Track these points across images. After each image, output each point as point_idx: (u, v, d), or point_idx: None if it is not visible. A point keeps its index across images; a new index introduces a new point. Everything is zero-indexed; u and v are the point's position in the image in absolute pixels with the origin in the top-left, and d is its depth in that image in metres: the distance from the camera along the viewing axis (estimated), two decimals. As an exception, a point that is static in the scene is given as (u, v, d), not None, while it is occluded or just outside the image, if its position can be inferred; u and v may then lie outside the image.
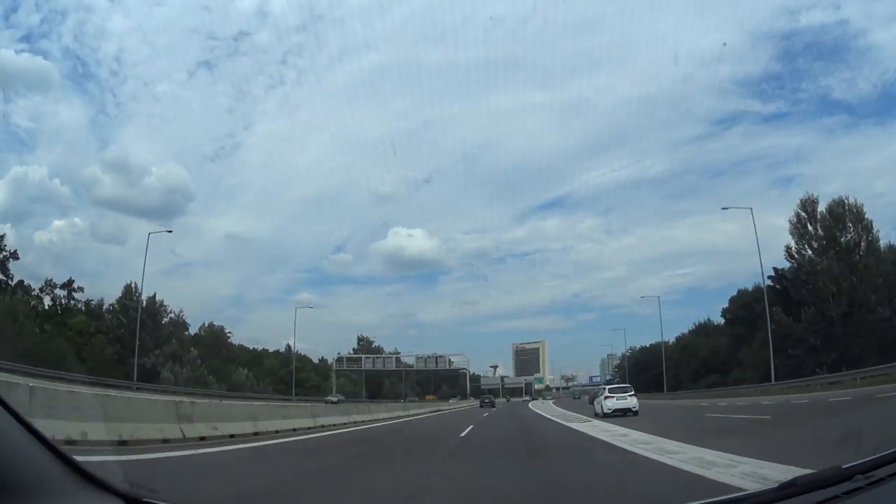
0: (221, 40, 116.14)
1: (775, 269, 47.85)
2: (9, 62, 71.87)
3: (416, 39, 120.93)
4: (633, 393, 24.31)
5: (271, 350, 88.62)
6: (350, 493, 6.25)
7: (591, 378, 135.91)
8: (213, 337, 73.47)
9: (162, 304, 66.88)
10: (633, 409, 22.98)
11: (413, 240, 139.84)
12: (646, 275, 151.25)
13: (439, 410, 45.12)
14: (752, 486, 3.38)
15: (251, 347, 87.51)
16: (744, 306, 59.00)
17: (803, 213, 46.95)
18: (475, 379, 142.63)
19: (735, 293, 63.06)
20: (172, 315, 67.33)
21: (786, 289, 45.58)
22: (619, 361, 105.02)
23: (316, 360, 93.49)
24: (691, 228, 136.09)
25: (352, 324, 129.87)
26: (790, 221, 47.77)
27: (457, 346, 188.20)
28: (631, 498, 5.50)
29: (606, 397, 24.15)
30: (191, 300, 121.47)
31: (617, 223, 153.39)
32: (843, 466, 1.79)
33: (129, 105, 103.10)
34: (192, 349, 59.88)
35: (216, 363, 66.71)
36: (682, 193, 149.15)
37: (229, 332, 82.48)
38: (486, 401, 60.87)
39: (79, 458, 1.38)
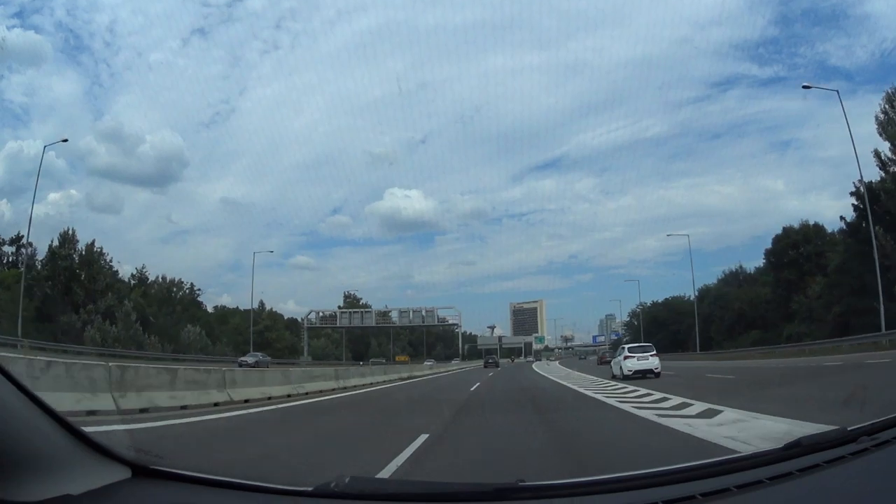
0: (214, 7, 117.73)
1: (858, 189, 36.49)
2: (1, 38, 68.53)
3: (411, 0, 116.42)
4: (654, 353, 21.92)
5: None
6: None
7: (594, 338, 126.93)
8: (166, 292, 63.13)
9: (101, 252, 56.84)
10: (655, 370, 20.96)
11: (410, 200, 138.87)
12: (643, 235, 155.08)
13: (410, 378, 31.39)
14: None
15: (223, 306, 78.38)
16: (791, 247, 48.75)
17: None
18: (471, 339, 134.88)
19: (780, 231, 52.31)
20: (114, 265, 57.10)
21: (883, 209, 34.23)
22: (628, 318, 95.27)
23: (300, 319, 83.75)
24: (689, 190, 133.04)
25: (348, 286, 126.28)
26: (877, 120, 37.01)
27: (454, 307, 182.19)
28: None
29: (626, 357, 21.88)
30: (188, 267, 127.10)
31: (614, 184, 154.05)
32: (849, 428, 1.81)
33: (124, 75, 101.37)
34: (125, 302, 49.51)
35: (166, 321, 56.67)
36: (679, 155, 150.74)
37: (198, 290, 73.27)
38: (490, 361, 62.39)
39: (87, 429, 1.38)
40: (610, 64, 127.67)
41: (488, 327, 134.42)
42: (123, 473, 1.41)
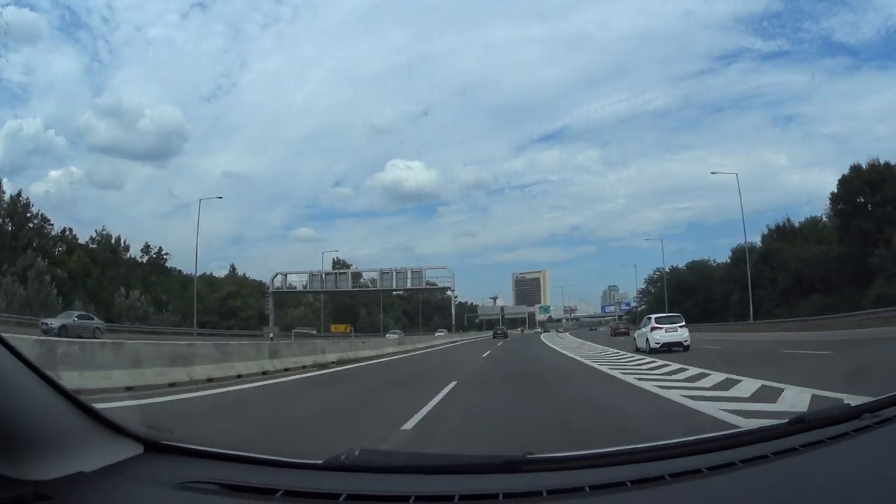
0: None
1: None
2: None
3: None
4: (683, 324, 19.40)
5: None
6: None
7: (603, 308, 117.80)
8: (107, 250, 53.80)
9: (27, 204, 47.72)
10: (685, 343, 18.65)
11: (411, 171, 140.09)
12: (646, 207, 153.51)
13: (322, 368, 15.14)
14: None
15: (186, 273, 69.14)
16: (867, 188, 38.97)
17: None
18: (471, 309, 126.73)
19: (847, 171, 42.27)
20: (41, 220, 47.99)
21: None
22: (644, 285, 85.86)
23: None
24: (691, 163, 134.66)
25: (350, 258, 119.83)
26: None
27: (456, 279, 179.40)
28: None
29: (654, 328, 19.20)
30: (191, 241, 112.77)
31: (616, 155, 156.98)
32: (853, 405, 1.85)
33: (123, 51, 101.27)
34: (39, 261, 40.42)
35: (102, 283, 47.57)
36: (681, 127, 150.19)
37: (166, 255, 64.45)
38: (499, 331, 61.74)
39: (97, 406, 1.38)
40: (613, 36, 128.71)
41: (490, 298, 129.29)
42: (135, 449, 1.43)
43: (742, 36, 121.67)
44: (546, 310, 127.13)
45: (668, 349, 18.13)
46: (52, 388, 1.27)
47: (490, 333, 65.65)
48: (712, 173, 45.92)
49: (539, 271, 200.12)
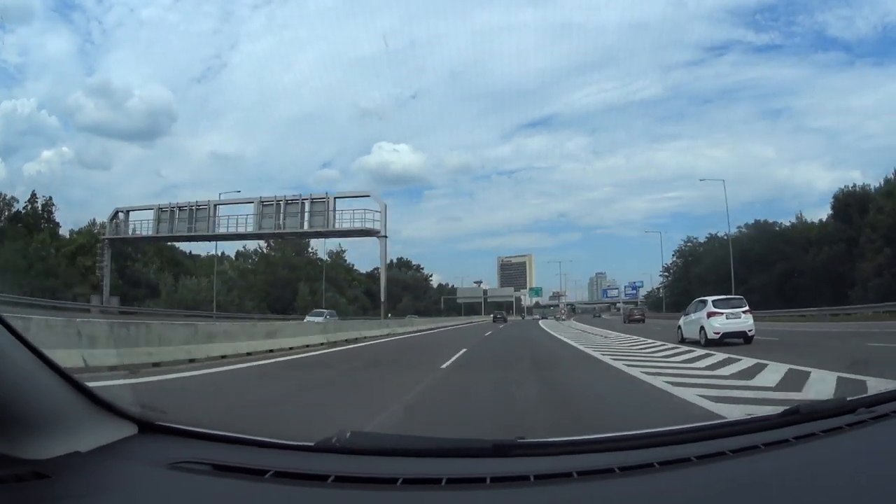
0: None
1: None
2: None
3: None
4: (746, 308, 15.75)
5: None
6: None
7: (604, 292, 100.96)
8: None
9: None
10: (749, 333, 15.35)
11: (398, 154, 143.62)
12: (632, 196, 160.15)
13: None
14: None
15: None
16: None
17: None
18: (451, 291, 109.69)
19: None
20: None
21: None
22: (674, 257, 68.44)
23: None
24: (679, 153, 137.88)
25: (335, 240, 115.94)
26: None
27: (441, 263, 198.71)
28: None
29: (712, 314, 15.59)
30: None
31: (603, 144, 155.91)
32: (848, 398, 1.83)
33: (115, 32, 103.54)
34: None
35: None
36: (670, 118, 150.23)
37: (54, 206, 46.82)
38: (499, 316, 64.30)
39: (91, 385, 1.38)
40: (603, 24, 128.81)
41: (475, 282, 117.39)
42: (130, 430, 1.44)
43: (734, 28, 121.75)
44: (537, 292, 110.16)
45: (718, 340, 14.75)
46: (49, 368, 1.28)
47: (476, 319, 64.16)
48: (700, 180, 30.30)
49: (525, 255, 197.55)
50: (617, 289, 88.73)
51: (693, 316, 16.83)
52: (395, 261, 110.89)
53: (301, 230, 41.43)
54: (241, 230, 40.86)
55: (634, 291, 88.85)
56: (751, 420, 1.86)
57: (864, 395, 1.92)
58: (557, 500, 1.27)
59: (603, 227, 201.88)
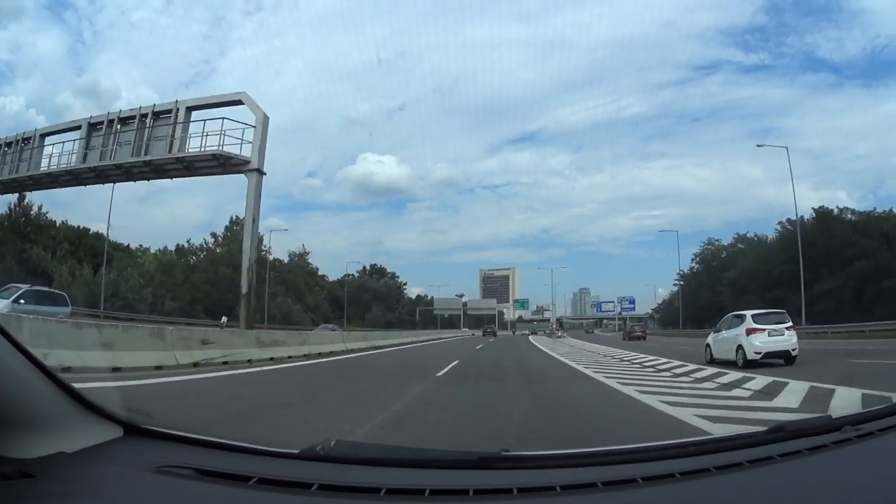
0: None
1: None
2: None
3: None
4: (790, 324, 14.14)
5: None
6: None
7: (597, 306, 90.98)
8: None
9: None
10: (793, 353, 13.61)
11: (382, 166, 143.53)
12: (616, 213, 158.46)
13: None
14: None
15: None
16: None
17: None
18: (428, 303, 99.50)
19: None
20: None
21: None
22: (694, 263, 58.86)
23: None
24: (665, 171, 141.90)
25: (320, 251, 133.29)
26: None
27: (424, 276, 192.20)
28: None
29: (752, 331, 13.78)
30: (163, 226, 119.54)
31: (589, 161, 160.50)
32: (834, 416, 1.85)
33: (106, 33, 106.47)
34: None
35: None
36: (656, 136, 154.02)
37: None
38: (489, 330, 64.61)
39: (78, 386, 1.39)
40: (592, 42, 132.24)
41: (457, 295, 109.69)
42: (116, 432, 1.44)
43: (724, 48, 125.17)
44: (523, 304, 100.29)
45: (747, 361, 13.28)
46: (37, 368, 1.28)
47: (447, 335, 58.40)
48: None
49: (508, 269, 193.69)
50: (612, 302, 79.25)
51: (725, 333, 15.24)
52: (367, 267, 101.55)
53: (132, 160, 23.48)
54: (66, 167, 25.13)
55: (632, 306, 79.75)
56: (736, 437, 1.84)
57: (851, 414, 1.90)
58: None
59: (587, 243, 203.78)
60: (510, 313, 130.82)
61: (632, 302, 78.54)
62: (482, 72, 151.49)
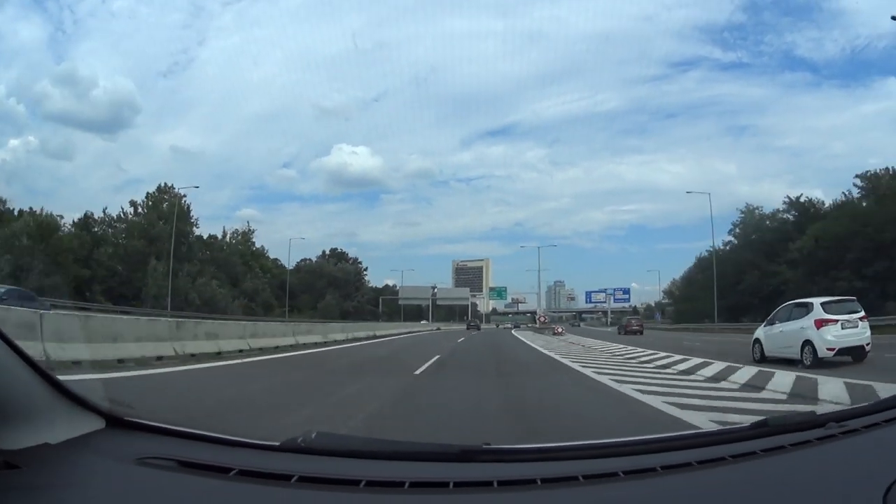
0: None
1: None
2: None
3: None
4: (862, 314, 12.42)
5: None
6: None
7: (588, 295, 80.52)
8: None
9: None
10: (867, 348, 11.99)
11: (356, 157, 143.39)
12: (590, 208, 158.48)
13: None
14: None
15: None
16: None
17: None
18: (392, 292, 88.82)
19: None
20: None
21: None
22: (720, 243, 48.70)
23: None
24: (639, 166, 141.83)
25: (294, 243, 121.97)
26: None
27: (397, 267, 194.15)
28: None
29: (823, 322, 11.93)
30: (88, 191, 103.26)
31: (564, 155, 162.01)
32: (818, 412, 1.81)
33: (87, 22, 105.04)
34: None
35: None
36: (632, 131, 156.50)
37: None
38: (473, 324, 61.31)
39: (61, 378, 1.38)
40: (570, 35, 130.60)
41: (430, 286, 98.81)
42: (98, 424, 1.44)
43: (701, 45, 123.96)
44: (500, 293, 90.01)
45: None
46: (21, 359, 1.28)
47: (413, 329, 50.07)
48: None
49: (482, 260, 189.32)
50: (604, 292, 69.62)
51: (783, 326, 13.08)
52: (327, 252, 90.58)
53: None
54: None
55: (627, 296, 70.83)
56: (719, 432, 1.84)
57: (835, 410, 1.89)
58: None
59: (560, 236, 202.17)
60: (484, 304, 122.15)
61: (626, 292, 69.40)
62: (459, 64, 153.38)
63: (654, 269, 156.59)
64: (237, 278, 58.09)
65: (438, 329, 57.67)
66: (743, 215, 47.46)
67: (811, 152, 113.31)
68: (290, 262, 70.87)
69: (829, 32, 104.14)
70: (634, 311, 74.17)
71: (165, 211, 52.54)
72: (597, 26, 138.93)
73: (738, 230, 47.68)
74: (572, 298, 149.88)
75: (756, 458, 1.47)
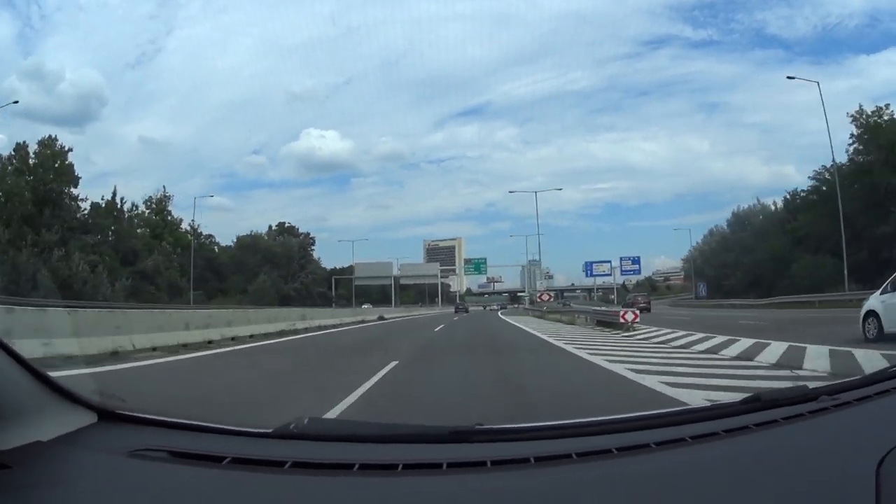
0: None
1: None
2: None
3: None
4: None
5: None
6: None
7: (588, 266, 67.10)
8: None
9: None
10: None
11: (325, 141, 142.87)
12: (564, 186, 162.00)
13: None
14: None
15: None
16: None
17: None
18: (344, 272, 75.99)
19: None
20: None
21: None
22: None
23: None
24: (612, 144, 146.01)
25: (261, 227, 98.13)
26: None
27: (370, 251, 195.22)
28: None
29: None
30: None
31: (536, 134, 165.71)
32: (810, 386, 1.83)
33: (54, 16, 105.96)
34: None
35: None
36: (604, 109, 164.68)
37: None
38: (461, 307, 59.41)
39: (51, 373, 1.36)
40: (541, 15, 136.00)
41: (391, 261, 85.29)
42: (90, 418, 1.43)
43: (672, 23, 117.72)
44: (478, 267, 77.62)
45: None
46: (9, 356, 1.26)
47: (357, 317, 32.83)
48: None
49: (454, 239, 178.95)
50: (608, 263, 57.89)
51: (879, 300, 11.47)
52: (273, 226, 77.41)
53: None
54: None
55: (637, 266, 59.62)
56: (712, 407, 1.87)
57: (828, 384, 1.88)
58: (513, 485, 1.26)
59: (533, 216, 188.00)
60: (458, 283, 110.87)
61: (636, 262, 57.74)
62: (430, 46, 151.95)
63: (658, 241, 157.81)
64: (132, 256, 44.67)
65: (382, 318, 35.40)
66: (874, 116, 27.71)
67: (784, 129, 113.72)
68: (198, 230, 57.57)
69: (800, 10, 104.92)
70: (637, 286, 64.31)
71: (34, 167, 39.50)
72: (568, 6, 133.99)
73: (865, 138, 29.53)
74: (550, 276, 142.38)
75: (749, 432, 1.47)
